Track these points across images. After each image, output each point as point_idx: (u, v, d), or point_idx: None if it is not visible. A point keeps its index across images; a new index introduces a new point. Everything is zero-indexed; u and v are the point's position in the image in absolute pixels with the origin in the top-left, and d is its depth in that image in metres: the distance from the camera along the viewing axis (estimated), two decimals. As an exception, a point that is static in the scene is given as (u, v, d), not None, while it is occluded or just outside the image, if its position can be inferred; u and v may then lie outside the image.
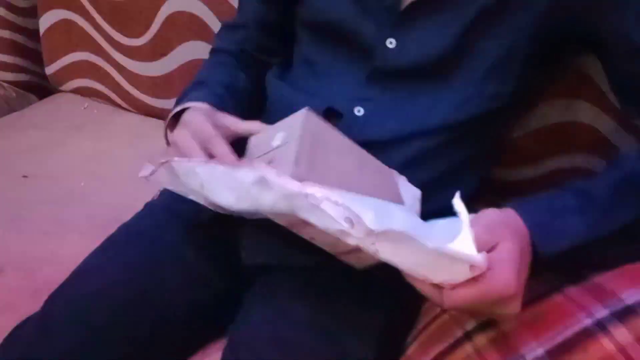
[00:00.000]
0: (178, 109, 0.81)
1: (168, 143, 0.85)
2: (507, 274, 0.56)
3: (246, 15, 0.93)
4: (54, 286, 0.81)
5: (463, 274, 0.54)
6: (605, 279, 0.63)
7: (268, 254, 0.81)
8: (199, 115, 0.75)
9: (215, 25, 1.16)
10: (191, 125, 0.74)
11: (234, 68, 0.90)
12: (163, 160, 0.70)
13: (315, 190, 0.58)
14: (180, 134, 0.74)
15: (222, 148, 0.70)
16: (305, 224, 0.61)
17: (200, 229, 0.85)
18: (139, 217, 0.89)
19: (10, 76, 1.48)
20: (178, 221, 0.86)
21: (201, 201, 0.71)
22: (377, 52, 0.78)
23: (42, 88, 1.48)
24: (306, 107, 0.69)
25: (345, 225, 0.56)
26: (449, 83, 0.77)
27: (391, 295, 0.76)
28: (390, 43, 0.77)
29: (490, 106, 0.78)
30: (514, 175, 1.00)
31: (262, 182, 0.61)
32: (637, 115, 0.77)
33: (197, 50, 1.20)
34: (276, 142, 0.67)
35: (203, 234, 0.84)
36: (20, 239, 0.97)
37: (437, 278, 0.56)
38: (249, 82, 0.90)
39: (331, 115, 0.79)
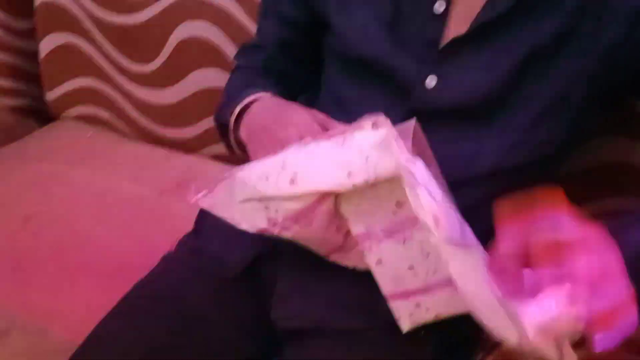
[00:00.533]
0: (248, 100, 0.75)
1: (229, 148, 0.80)
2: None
3: (266, 38, 0.86)
4: (64, 349, 0.74)
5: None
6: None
7: (302, 316, 0.74)
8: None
9: (231, 52, 1.09)
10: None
11: (268, 79, 0.84)
12: (225, 176, 0.65)
13: (419, 173, 0.56)
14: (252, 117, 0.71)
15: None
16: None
17: (225, 286, 0.77)
18: (156, 275, 0.81)
19: (9, 101, 1.40)
20: (200, 278, 0.78)
21: (258, 221, 0.64)
22: (415, 90, 0.70)
23: (42, 113, 1.39)
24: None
25: (431, 222, 0.52)
26: (496, 127, 0.69)
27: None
28: (431, 81, 0.69)
29: (541, 153, 0.71)
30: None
31: (385, 143, 0.57)
32: None
33: (211, 77, 1.12)
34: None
35: (229, 291, 0.77)
36: (25, 293, 0.90)
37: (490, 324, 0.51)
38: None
39: None
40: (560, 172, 0.84)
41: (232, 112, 0.76)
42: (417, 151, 0.59)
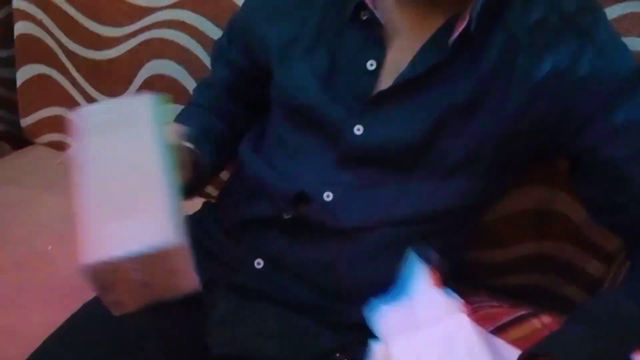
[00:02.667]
0: None
1: None
2: None
3: (216, 80, 0.96)
4: None
5: None
6: None
7: (234, 343, 0.79)
8: None
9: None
10: None
11: (209, 116, 0.92)
12: None
13: None
14: None
15: None
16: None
17: (166, 312, 0.82)
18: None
19: (-16, 125, 1.45)
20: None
21: None
22: (345, 137, 0.77)
23: (16, 138, 1.45)
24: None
25: None
26: (415, 175, 0.76)
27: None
28: (358, 130, 0.76)
29: (458, 203, 0.77)
30: (481, 258, 0.99)
31: None
32: (609, 226, 0.77)
33: (176, 112, 1.19)
34: None
35: (168, 316, 0.82)
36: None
37: None
38: (225, 129, 0.91)
39: (302, 199, 0.78)
40: (483, 218, 0.90)
41: None
42: None
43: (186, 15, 1.12)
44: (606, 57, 0.70)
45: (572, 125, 0.71)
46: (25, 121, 1.37)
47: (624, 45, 0.72)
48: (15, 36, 1.31)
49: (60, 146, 1.35)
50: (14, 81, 1.37)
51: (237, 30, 0.90)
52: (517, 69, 0.71)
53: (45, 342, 0.80)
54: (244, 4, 0.92)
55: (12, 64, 1.37)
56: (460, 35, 0.70)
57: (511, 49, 0.71)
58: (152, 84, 1.19)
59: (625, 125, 0.69)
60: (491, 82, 0.71)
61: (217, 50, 0.96)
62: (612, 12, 0.83)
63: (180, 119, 0.92)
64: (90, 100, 1.27)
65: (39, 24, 1.26)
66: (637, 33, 0.82)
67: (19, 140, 1.44)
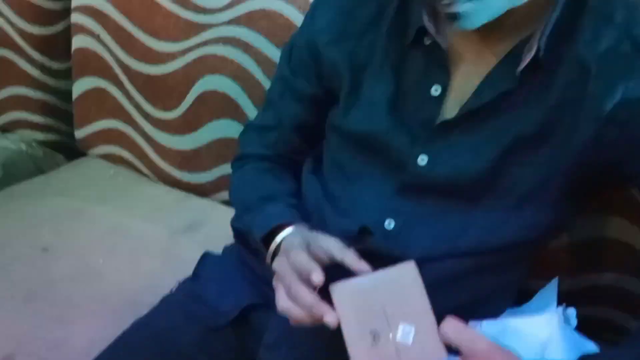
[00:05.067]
0: (273, 246, 0.76)
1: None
2: None
3: (280, 116, 0.89)
4: None
5: None
6: None
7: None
8: (294, 240, 0.72)
9: (247, 106, 1.15)
10: (289, 253, 0.70)
11: (281, 172, 0.88)
12: None
13: None
14: (279, 262, 0.71)
15: (304, 294, 0.66)
16: None
17: (216, 334, 0.82)
18: (154, 314, 0.86)
19: (40, 136, 1.48)
20: (194, 324, 0.83)
21: None
22: (408, 166, 0.75)
23: (70, 149, 1.47)
24: (413, 265, 0.66)
25: None
26: (481, 206, 0.74)
27: None
28: (422, 159, 0.74)
29: (524, 235, 0.75)
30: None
31: None
32: None
33: (227, 128, 1.19)
34: (399, 336, 0.63)
35: (219, 340, 0.82)
36: (33, 323, 0.95)
37: None
38: (295, 182, 0.88)
39: (364, 232, 0.76)
40: (546, 248, 0.88)
41: (265, 241, 0.77)
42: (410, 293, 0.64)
43: (241, 32, 1.12)
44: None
45: None
46: (80, 133, 1.39)
47: None
48: (72, 50, 1.33)
49: (113, 158, 1.36)
50: (69, 93, 1.40)
51: (302, 58, 0.85)
52: (587, 98, 0.68)
53: (98, 357, 0.80)
54: (304, 28, 0.86)
55: (68, 76, 1.40)
56: (529, 62, 0.68)
57: (581, 76, 0.68)
58: (206, 100, 1.19)
59: None
60: (560, 112, 0.69)
61: (280, 86, 0.89)
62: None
63: (262, 184, 0.88)
64: (143, 114, 1.27)
65: (97, 38, 1.27)
66: None
67: (73, 151, 1.46)
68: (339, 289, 0.64)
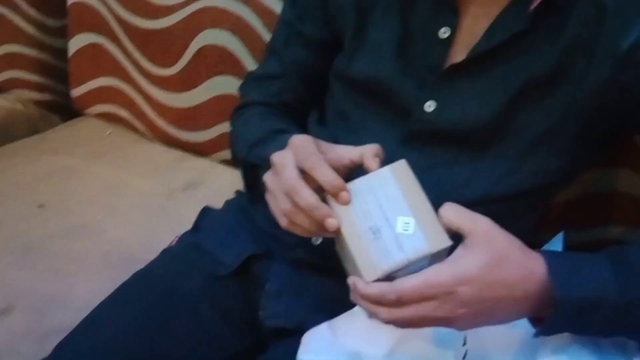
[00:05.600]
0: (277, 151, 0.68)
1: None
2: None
3: (285, 63, 0.86)
4: (61, 331, 0.78)
5: None
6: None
7: (288, 316, 0.77)
8: (302, 136, 0.67)
9: (248, 61, 1.13)
10: (294, 145, 0.65)
11: (288, 117, 0.85)
12: None
13: None
14: (278, 154, 0.65)
15: (324, 170, 0.61)
16: None
17: (218, 283, 0.81)
18: (154, 265, 0.85)
19: (35, 95, 1.46)
20: (195, 273, 0.82)
21: None
22: (415, 113, 0.73)
23: (66, 109, 1.45)
24: (404, 163, 0.63)
25: None
26: (489, 154, 0.72)
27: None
28: (429, 105, 0.72)
29: (533, 183, 0.73)
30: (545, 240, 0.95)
31: None
32: None
33: (226, 84, 1.17)
34: (399, 227, 0.60)
35: (221, 288, 0.80)
36: (31, 275, 0.94)
37: None
38: (302, 129, 0.84)
39: None
40: (554, 200, 0.86)
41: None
42: (405, 189, 0.62)
43: (242, -17, 1.09)
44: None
45: None
46: (76, 92, 1.36)
47: None
48: (68, 5, 1.30)
49: (110, 117, 1.34)
50: (64, 51, 1.37)
51: (309, 0, 0.82)
52: (603, 38, 0.66)
53: (97, 307, 0.79)
54: None
55: (63, 34, 1.37)
56: (542, 1, 0.65)
57: (597, 15, 0.66)
58: (205, 55, 1.17)
59: None
60: (574, 53, 0.67)
61: (285, 31, 0.86)
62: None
63: (258, 121, 0.84)
64: (141, 71, 1.25)
65: (93, -8, 1.25)
66: None
67: (69, 111, 1.43)
68: None
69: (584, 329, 0.60)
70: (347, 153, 0.65)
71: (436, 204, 0.71)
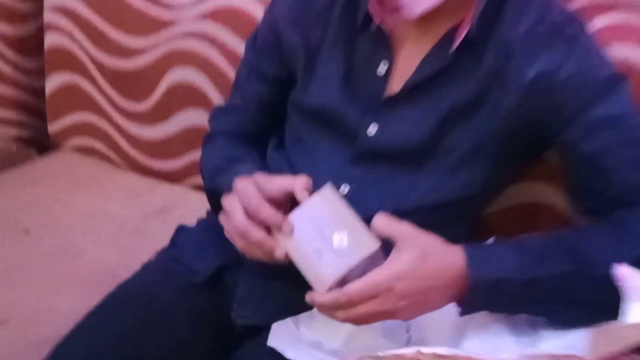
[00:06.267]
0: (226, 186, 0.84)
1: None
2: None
3: (246, 97, 1.00)
4: (52, 340, 0.87)
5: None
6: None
7: (256, 315, 0.88)
8: (244, 180, 0.81)
9: (214, 95, 1.25)
10: (237, 190, 0.80)
11: (248, 145, 0.98)
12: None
13: None
14: (227, 199, 0.80)
15: (265, 211, 0.76)
16: None
17: (193, 291, 0.91)
18: (136, 277, 0.95)
19: (13, 131, 1.55)
20: (172, 281, 0.92)
21: None
22: (359, 136, 0.86)
23: (42, 143, 1.55)
24: (330, 187, 0.76)
25: None
26: (424, 169, 0.85)
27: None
28: (371, 130, 0.86)
29: (462, 194, 0.86)
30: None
31: None
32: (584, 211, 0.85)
33: (195, 117, 1.29)
34: (336, 244, 0.73)
35: (196, 296, 0.91)
36: (22, 292, 1.04)
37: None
38: (260, 154, 0.97)
39: None
40: (483, 211, 0.99)
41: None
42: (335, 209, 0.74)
43: (207, 27, 1.22)
44: (588, 62, 0.79)
45: (557, 121, 0.80)
46: (53, 126, 1.46)
47: (604, 52, 0.82)
48: (45, 47, 1.41)
49: (86, 149, 1.44)
50: (41, 90, 1.47)
51: (265, 42, 0.96)
52: (511, 72, 0.80)
53: (85, 317, 0.89)
54: (266, 17, 0.98)
55: (40, 73, 1.48)
56: (460, 44, 0.79)
57: (505, 53, 0.80)
58: (175, 91, 1.29)
59: (602, 121, 0.78)
60: (489, 84, 0.81)
61: (247, 68, 1.00)
62: (597, 23, 0.93)
63: (227, 152, 0.97)
64: (115, 107, 1.36)
65: (69, 35, 1.36)
66: (616, 42, 0.91)
67: (45, 145, 1.53)
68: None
69: (496, 306, 0.73)
70: (282, 184, 0.79)
71: (380, 211, 0.84)
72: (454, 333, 0.76)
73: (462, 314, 0.73)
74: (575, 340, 0.67)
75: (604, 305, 0.67)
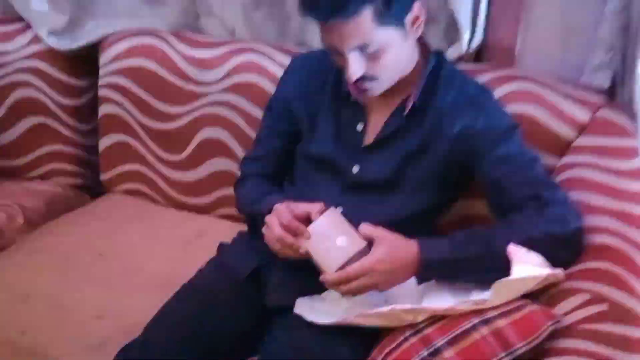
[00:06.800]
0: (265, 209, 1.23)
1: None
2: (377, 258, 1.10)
3: (266, 149, 1.42)
4: (136, 327, 1.25)
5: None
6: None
7: (283, 299, 1.27)
8: (280, 205, 1.20)
9: (235, 147, 1.67)
10: (275, 210, 1.20)
11: (271, 184, 1.39)
12: None
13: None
14: (268, 217, 1.21)
15: (293, 224, 1.16)
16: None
17: (239, 285, 1.31)
18: (195, 278, 1.35)
19: (70, 181, 1.94)
20: (223, 279, 1.32)
21: None
22: (347, 174, 1.29)
23: (93, 189, 1.94)
24: (333, 209, 1.18)
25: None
26: (392, 194, 1.27)
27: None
28: (355, 169, 1.28)
29: (419, 210, 1.28)
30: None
31: None
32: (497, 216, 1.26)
33: (220, 164, 1.70)
34: (339, 243, 1.14)
35: (241, 288, 1.31)
36: (108, 296, 1.44)
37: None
38: (280, 192, 1.37)
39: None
40: (438, 222, 1.41)
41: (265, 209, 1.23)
42: (337, 223, 1.16)
43: (230, 97, 1.65)
44: (492, 119, 1.22)
45: (475, 159, 1.22)
46: (105, 175, 1.87)
47: (504, 110, 1.26)
48: (100, 114, 1.82)
49: (133, 192, 1.84)
50: (93, 147, 1.88)
51: (278, 112, 1.38)
52: (443, 128, 1.23)
53: (166, 303, 1.28)
54: (278, 91, 1.41)
55: (93, 134, 1.88)
56: (410, 110, 1.23)
57: (439, 116, 1.23)
58: (204, 145, 1.71)
59: (503, 158, 1.20)
60: (429, 136, 1.24)
61: (265, 130, 1.41)
62: (502, 90, 1.38)
63: (260, 189, 1.37)
64: (158, 158, 1.77)
65: (121, 105, 1.77)
66: (514, 102, 1.35)
67: (96, 191, 1.93)
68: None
69: (440, 276, 1.14)
70: (305, 207, 1.19)
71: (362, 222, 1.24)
72: (416, 296, 1.17)
73: (419, 283, 1.15)
74: (487, 294, 1.08)
75: (502, 270, 1.08)
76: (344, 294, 1.14)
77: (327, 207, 1.18)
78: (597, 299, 1.02)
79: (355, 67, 1.14)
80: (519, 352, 1.00)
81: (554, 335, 1.00)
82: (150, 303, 1.32)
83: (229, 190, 1.63)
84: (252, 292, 1.31)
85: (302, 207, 1.19)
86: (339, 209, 1.24)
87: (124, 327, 1.33)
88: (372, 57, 1.15)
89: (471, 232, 1.17)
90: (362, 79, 1.17)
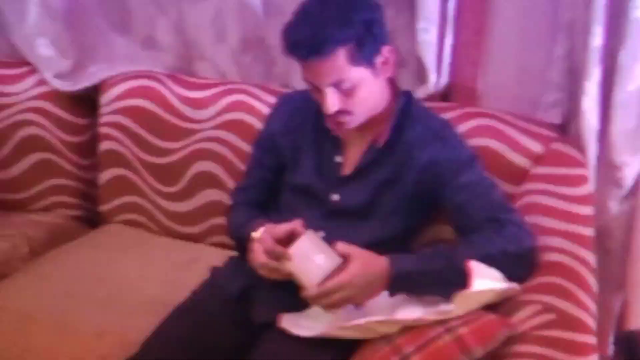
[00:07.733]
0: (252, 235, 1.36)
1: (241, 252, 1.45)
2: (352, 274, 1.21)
3: (255, 179, 1.56)
4: (134, 344, 1.36)
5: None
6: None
7: (268, 315, 1.39)
8: (262, 232, 1.33)
9: (226, 179, 1.80)
10: (258, 238, 1.32)
11: (260, 210, 1.52)
12: None
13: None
14: (253, 245, 1.33)
15: (277, 249, 1.26)
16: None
17: (229, 305, 1.43)
18: (189, 297, 1.47)
19: (69, 212, 2.06)
20: (214, 298, 1.45)
21: None
22: (327, 201, 1.43)
23: (92, 220, 2.06)
24: (311, 231, 1.29)
25: None
26: (368, 219, 1.41)
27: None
28: (335, 197, 1.42)
29: (392, 233, 1.41)
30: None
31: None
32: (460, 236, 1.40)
33: (212, 195, 1.83)
34: (317, 260, 1.25)
35: (232, 307, 1.43)
36: (107, 315, 1.55)
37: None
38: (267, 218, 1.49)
39: None
40: (411, 245, 1.55)
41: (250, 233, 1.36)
42: (315, 243, 1.28)
43: (221, 134, 1.79)
44: (454, 150, 1.38)
45: (439, 186, 1.37)
46: (104, 206, 1.99)
47: (465, 142, 1.41)
48: (100, 150, 1.95)
49: (130, 222, 1.97)
50: (92, 181, 2.01)
51: (266, 146, 1.52)
52: (412, 160, 1.38)
53: (163, 321, 1.40)
54: (265, 128, 1.56)
55: (92, 169, 2.01)
56: (383, 144, 1.38)
57: (408, 149, 1.38)
58: (197, 178, 1.84)
59: (464, 185, 1.34)
60: (400, 167, 1.39)
61: (255, 159, 1.56)
62: (466, 126, 1.53)
63: (247, 215, 1.49)
64: (153, 189, 1.91)
65: (120, 142, 1.91)
66: (477, 136, 1.51)
67: (94, 222, 2.05)
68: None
69: (409, 289, 1.27)
70: (284, 227, 1.31)
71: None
72: (388, 308, 1.29)
73: (391, 295, 1.28)
74: (452, 305, 1.21)
75: (462, 283, 1.21)
76: (325, 308, 1.26)
77: (307, 228, 1.31)
78: (547, 309, 1.16)
79: (332, 100, 1.29)
80: (477, 355, 1.13)
81: (510, 340, 1.13)
82: (147, 322, 1.43)
83: (221, 220, 1.78)
84: (242, 310, 1.44)
85: (283, 228, 1.31)
86: (321, 233, 1.37)
87: (123, 344, 1.44)
88: (347, 93, 1.30)
89: (436, 249, 1.31)
90: (339, 113, 1.32)
